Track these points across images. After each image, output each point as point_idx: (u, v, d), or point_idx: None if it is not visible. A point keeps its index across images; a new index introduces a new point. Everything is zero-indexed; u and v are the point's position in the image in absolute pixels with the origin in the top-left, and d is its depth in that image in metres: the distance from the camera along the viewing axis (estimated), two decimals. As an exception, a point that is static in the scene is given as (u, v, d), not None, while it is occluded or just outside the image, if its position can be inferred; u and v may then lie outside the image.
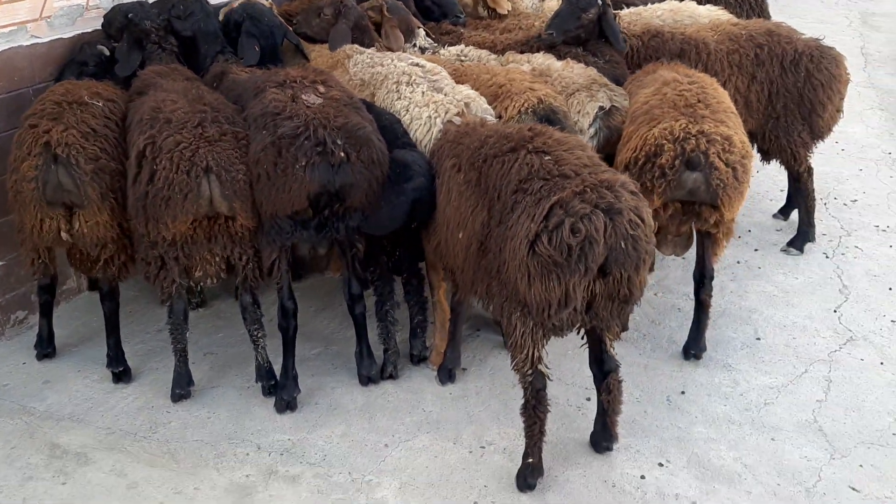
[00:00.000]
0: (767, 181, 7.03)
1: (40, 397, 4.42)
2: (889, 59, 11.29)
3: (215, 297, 5.40)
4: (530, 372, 3.55)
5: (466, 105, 4.49)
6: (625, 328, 3.66)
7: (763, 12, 7.35)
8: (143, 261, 4.05)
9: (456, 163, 3.90)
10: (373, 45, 5.32)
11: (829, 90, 5.57)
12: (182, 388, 4.31)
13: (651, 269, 5.52)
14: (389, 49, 5.38)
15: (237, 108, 4.20)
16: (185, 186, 3.77)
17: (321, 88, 4.10)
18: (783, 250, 6.02)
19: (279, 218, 3.90)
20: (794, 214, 6.37)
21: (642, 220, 3.33)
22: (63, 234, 4.16)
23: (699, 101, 4.38)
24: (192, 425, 4.21)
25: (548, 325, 3.42)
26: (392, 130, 4.37)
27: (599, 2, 5.40)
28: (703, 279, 4.60)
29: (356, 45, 5.16)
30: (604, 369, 3.76)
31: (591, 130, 4.76)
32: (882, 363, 4.73)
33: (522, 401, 3.69)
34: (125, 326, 4.73)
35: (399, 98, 4.62)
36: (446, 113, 4.42)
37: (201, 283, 4.28)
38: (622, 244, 3.25)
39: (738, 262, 5.88)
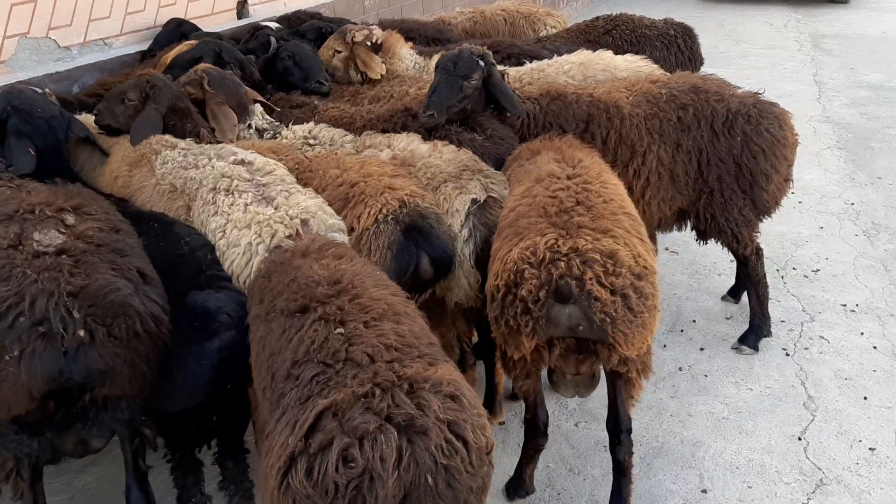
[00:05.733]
0: (715, 251, 5.87)
1: None
2: (844, 87, 10.44)
3: None
4: None
5: (304, 222, 3.36)
6: None
7: (694, 53, 6.35)
8: None
9: (259, 312, 2.78)
10: (197, 132, 4.17)
11: (774, 157, 4.53)
12: None
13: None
14: (221, 133, 4.24)
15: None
16: None
17: (69, 220, 2.92)
18: (734, 348, 4.94)
19: (-1, 423, 2.71)
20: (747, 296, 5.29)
21: (465, 442, 2.20)
22: None
23: (578, 204, 3.29)
24: None
25: None
26: (193, 261, 3.24)
27: (482, 63, 4.30)
28: (617, 432, 3.46)
29: (167, 136, 4.01)
30: None
31: (465, 232, 3.66)
32: (863, 520, 3.63)
33: None
34: None
35: (216, 213, 3.47)
36: (272, 237, 3.28)
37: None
38: (428, 479, 2.12)
39: (681, 370, 4.78)
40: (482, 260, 3.60)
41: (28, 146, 3.79)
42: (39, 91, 4.04)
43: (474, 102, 4.36)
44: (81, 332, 2.60)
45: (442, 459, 2.13)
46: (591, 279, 3.04)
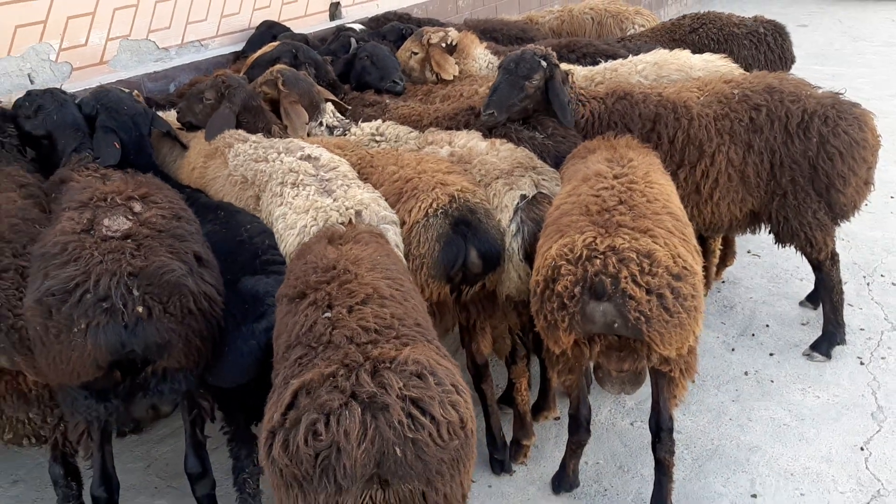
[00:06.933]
0: (796, 256, 5.77)
1: None
2: (965, 89, 9.83)
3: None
4: None
5: (357, 213, 3.55)
6: None
7: (785, 52, 6.17)
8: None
9: (282, 291, 3.00)
10: (269, 129, 4.41)
11: (851, 159, 4.38)
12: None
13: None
14: (293, 130, 4.47)
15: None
16: None
17: (136, 207, 3.20)
18: (805, 355, 4.81)
19: (71, 388, 3.00)
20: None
21: (431, 418, 2.34)
22: None
23: (620, 203, 3.31)
24: None
25: None
26: (249, 247, 3.46)
27: (544, 64, 4.36)
28: (658, 431, 3.48)
29: (240, 131, 4.27)
30: None
31: (513, 226, 3.74)
32: (920, 536, 3.51)
33: None
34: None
35: (281, 204, 3.71)
36: (326, 222, 3.48)
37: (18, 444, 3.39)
38: (396, 451, 2.28)
39: (746, 374, 4.70)
40: (531, 254, 3.67)
41: (114, 140, 4.12)
42: (126, 91, 4.38)
43: (536, 102, 4.43)
44: (140, 309, 2.87)
45: (407, 433, 2.29)
46: (626, 277, 3.08)
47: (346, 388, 2.33)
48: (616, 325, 3.11)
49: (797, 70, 6.02)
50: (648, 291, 3.05)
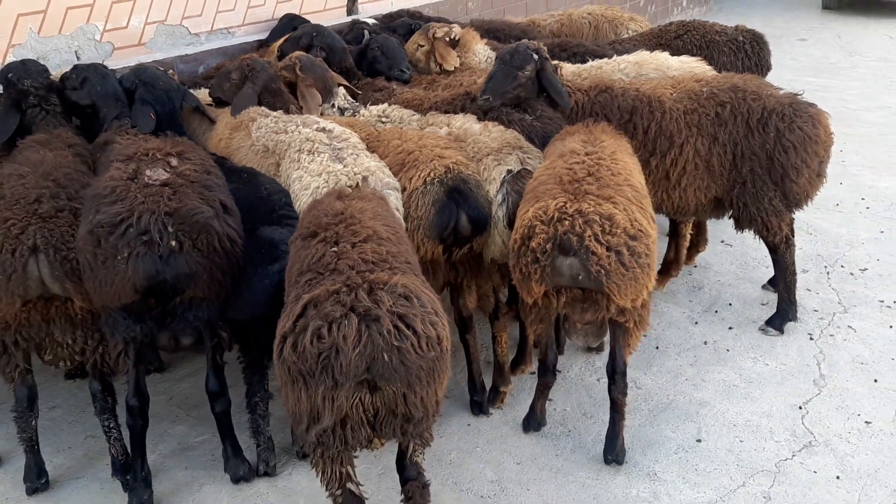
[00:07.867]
0: (763, 247, 6.30)
1: None
2: (948, 104, 10.30)
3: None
4: (339, 493, 3.12)
5: (364, 178, 4.10)
6: (425, 444, 3.21)
7: (761, 59, 6.70)
8: (-17, 344, 3.78)
9: (295, 235, 3.56)
10: (287, 108, 4.98)
11: (804, 153, 4.91)
12: (33, 481, 4.01)
13: (600, 350, 5.03)
14: (307, 110, 5.03)
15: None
16: (10, 267, 3.50)
17: (173, 162, 3.77)
18: (761, 329, 5.34)
19: (112, 310, 3.57)
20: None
21: (414, 331, 2.88)
22: None
23: (588, 175, 3.86)
24: (36, 524, 3.90)
25: (311, 440, 2.99)
26: (268, 203, 4.03)
27: (536, 57, 4.92)
28: (613, 374, 4.02)
29: (262, 108, 4.84)
30: (403, 476, 3.35)
31: (500, 197, 4.29)
32: (838, 477, 4.03)
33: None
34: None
35: (298, 168, 4.27)
36: (336, 184, 4.04)
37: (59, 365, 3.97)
38: (384, 356, 2.83)
39: (706, 343, 5.23)
40: (514, 222, 4.21)
41: (150, 111, 4.69)
42: (162, 69, 4.96)
43: (527, 90, 4.98)
44: (173, 243, 3.44)
45: (394, 342, 2.83)
46: (590, 236, 3.63)
47: (347, 303, 2.88)
48: (580, 277, 3.65)
49: (790, 82, 6.50)
50: (608, 249, 3.60)
